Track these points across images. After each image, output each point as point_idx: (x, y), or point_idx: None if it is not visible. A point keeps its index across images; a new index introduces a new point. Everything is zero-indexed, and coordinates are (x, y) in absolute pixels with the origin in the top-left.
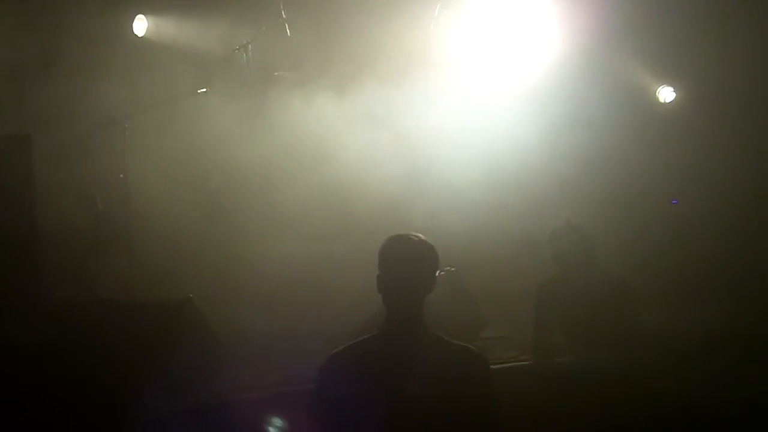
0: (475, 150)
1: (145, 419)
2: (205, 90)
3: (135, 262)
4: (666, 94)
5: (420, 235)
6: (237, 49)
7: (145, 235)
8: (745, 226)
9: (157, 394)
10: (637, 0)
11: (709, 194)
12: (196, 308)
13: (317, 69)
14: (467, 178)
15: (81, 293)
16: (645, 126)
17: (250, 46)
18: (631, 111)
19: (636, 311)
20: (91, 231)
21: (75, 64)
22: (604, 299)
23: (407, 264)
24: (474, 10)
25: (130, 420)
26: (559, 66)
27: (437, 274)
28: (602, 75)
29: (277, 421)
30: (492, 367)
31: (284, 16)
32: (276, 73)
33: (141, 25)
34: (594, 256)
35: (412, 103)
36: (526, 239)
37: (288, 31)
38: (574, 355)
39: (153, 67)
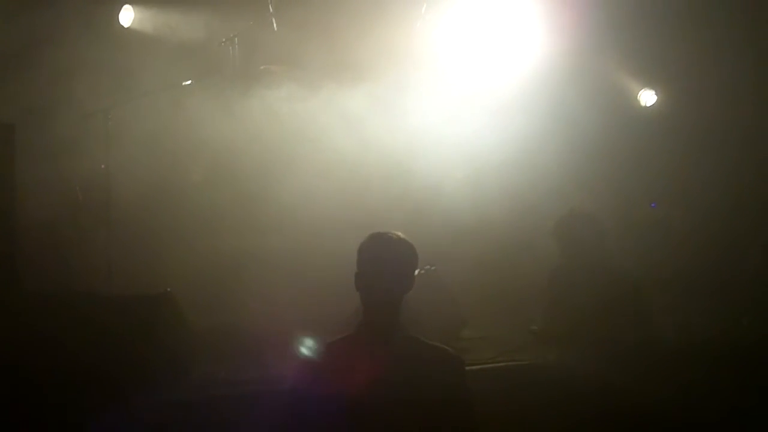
0: (458, 149)
1: (120, 413)
2: (190, 82)
3: (114, 254)
4: (647, 97)
5: (399, 233)
6: (223, 41)
7: (125, 227)
8: (725, 230)
9: (133, 388)
10: (618, 3)
11: (690, 198)
12: (174, 302)
13: (304, 64)
14: (450, 177)
15: (59, 285)
16: (626, 129)
17: (236, 39)
18: (612, 114)
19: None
20: (71, 222)
21: (61, 54)
22: (609, 289)
23: (386, 262)
24: (460, 10)
25: (104, 414)
26: (541, 68)
27: (416, 272)
28: (584, 78)
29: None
30: (470, 368)
31: (271, 10)
32: (262, 67)
33: (127, 16)
34: (603, 243)
35: (397, 100)
36: (509, 239)
37: (275, 25)
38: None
39: (139, 58)
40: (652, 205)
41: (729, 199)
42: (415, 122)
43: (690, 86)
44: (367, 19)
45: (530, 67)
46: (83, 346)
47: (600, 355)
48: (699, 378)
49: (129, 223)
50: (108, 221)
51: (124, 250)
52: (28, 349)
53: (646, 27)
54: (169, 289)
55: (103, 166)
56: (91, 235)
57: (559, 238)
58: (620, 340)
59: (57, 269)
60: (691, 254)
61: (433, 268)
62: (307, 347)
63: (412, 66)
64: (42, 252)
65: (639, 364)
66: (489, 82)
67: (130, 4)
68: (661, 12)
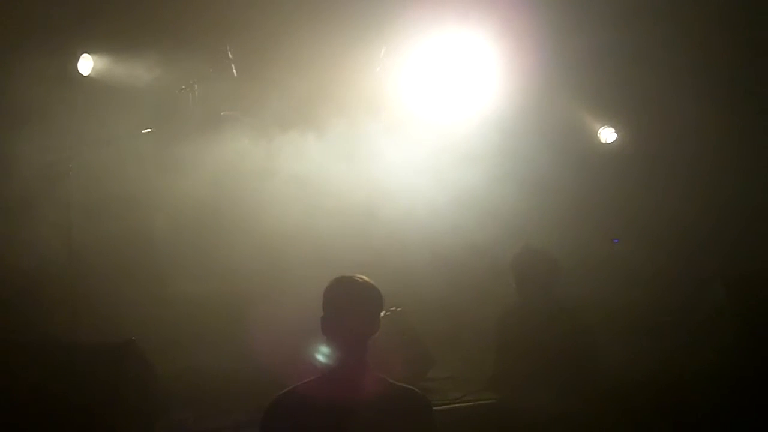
0: (418, 192)
1: None
2: (149, 130)
3: (78, 303)
4: (607, 135)
5: (364, 276)
6: (183, 88)
7: (88, 276)
8: (685, 266)
9: None
10: (577, 42)
11: (651, 234)
12: (138, 351)
13: (264, 109)
14: (410, 219)
15: (22, 335)
16: (586, 166)
17: (196, 86)
18: (572, 152)
19: (595, 341)
20: (34, 272)
21: (19, 103)
22: (564, 328)
23: (352, 306)
24: (419, 52)
25: None
26: (501, 107)
27: (382, 315)
28: (544, 117)
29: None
30: (437, 408)
31: (230, 56)
32: (222, 113)
33: (86, 64)
34: (557, 279)
35: (357, 144)
36: (473, 279)
37: (235, 71)
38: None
39: (98, 107)
40: (615, 240)
41: (689, 234)
42: (374, 166)
43: (649, 123)
44: (327, 64)
45: (490, 107)
46: (48, 396)
47: (559, 394)
48: (657, 413)
49: (92, 272)
50: (71, 271)
51: (88, 299)
52: None
53: (605, 66)
54: (133, 338)
55: (66, 213)
56: (54, 284)
57: (515, 275)
58: (575, 378)
59: (20, 319)
60: (651, 290)
61: (398, 309)
62: (275, 390)
63: (373, 110)
64: (5, 301)
65: (597, 401)
66: (448, 124)
67: (88, 52)
68: (621, 50)
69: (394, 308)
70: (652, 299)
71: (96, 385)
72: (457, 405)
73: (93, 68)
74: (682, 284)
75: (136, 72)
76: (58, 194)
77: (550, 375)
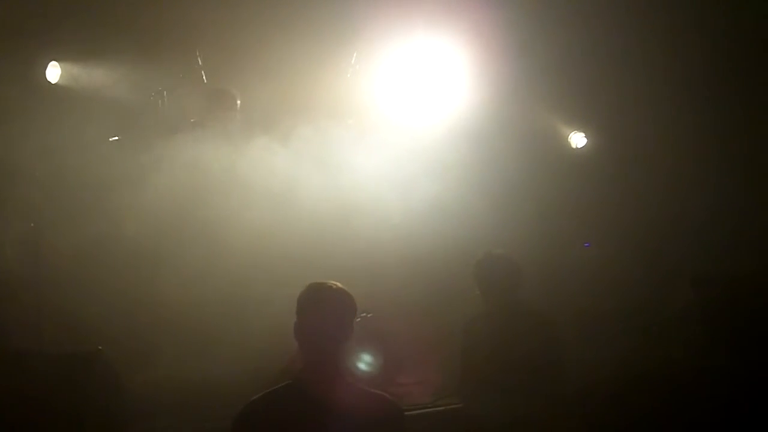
0: (390, 198)
1: None
2: (117, 138)
3: (44, 312)
4: (577, 139)
5: (338, 283)
6: (152, 95)
7: (55, 285)
8: (654, 268)
9: None
10: (548, 46)
11: (620, 237)
12: (106, 360)
13: (234, 116)
14: (382, 223)
15: None
16: (557, 171)
17: (165, 92)
18: (542, 156)
19: (559, 346)
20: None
21: None
22: (528, 334)
23: (325, 311)
24: (390, 58)
25: None
26: (471, 112)
27: (355, 321)
28: (514, 122)
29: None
30: (409, 413)
31: (200, 62)
32: (192, 120)
33: (54, 72)
34: (519, 283)
35: (328, 149)
36: (443, 285)
37: (204, 78)
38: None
39: (66, 114)
40: (586, 245)
41: (658, 237)
42: (346, 172)
43: (620, 128)
44: (298, 69)
45: (460, 113)
46: (14, 406)
47: (524, 398)
48: (623, 416)
49: (59, 281)
50: (38, 279)
51: (54, 308)
52: None
53: (575, 71)
54: (100, 347)
55: (32, 225)
56: (20, 293)
57: (478, 280)
58: (540, 382)
59: None
60: (620, 293)
61: (370, 315)
62: (246, 397)
63: (344, 116)
64: None
65: (562, 405)
66: (419, 129)
67: (56, 60)
68: (592, 55)
69: (365, 314)
70: (620, 302)
71: (62, 395)
72: (427, 410)
73: (61, 75)
74: (650, 286)
75: (105, 79)
76: (24, 201)
77: (515, 379)
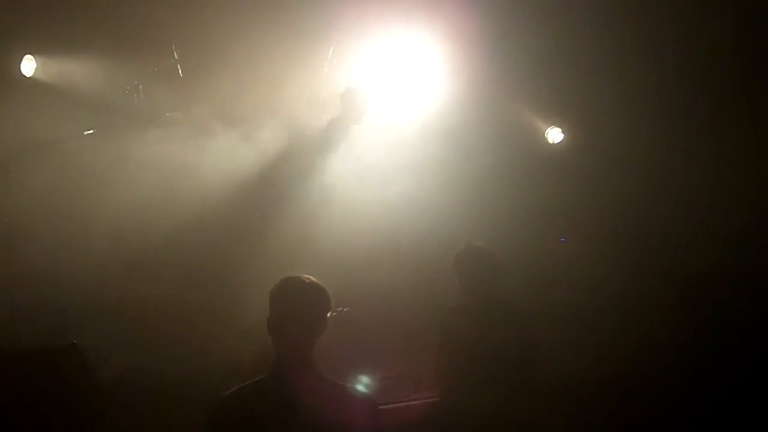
0: (367, 190)
1: None
2: (92, 131)
3: (18, 307)
4: (554, 135)
5: (311, 277)
6: (127, 89)
7: (29, 280)
8: (629, 262)
9: None
10: (525, 42)
11: (595, 232)
12: (80, 354)
13: (210, 110)
14: (359, 218)
15: None
16: (534, 167)
17: (140, 86)
18: (519, 152)
19: (536, 337)
20: None
21: None
22: (506, 327)
23: (298, 306)
24: (367, 52)
25: None
26: (448, 108)
27: (329, 315)
28: (491, 117)
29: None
30: (384, 407)
31: (176, 56)
32: (167, 114)
33: (29, 65)
34: (500, 275)
35: (304, 143)
36: (420, 279)
37: (180, 71)
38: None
39: (41, 108)
40: (562, 239)
41: (635, 232)
42: (324, 166)
43: (597, 124)
44: (274, 64)
45: (437, 108)
46: None
47: (501, 392)
48: (601, 411)
49: (33, 276)
50: (12, 274)
51: (29, 302)
52: None
53: (552, 67)
54: (74, 341)
55: (6, 219)
56: None
57: (457, 272)
58: (517, 375)
59: None
60: (596, 287)
61: (345, 309)
62: (220, 391)
63: (320, 109)
64: None
65: (541, 399)
66: (396, 124)
67: (31, 53)
68: (569, 51)
69: (340, 308)
70: (596, 296)
71: (37, 390)
72: (403, 404)
73: (36, 69)
74: (627, 281)
75: (80, 73)
76: None
77: (492, 371)
